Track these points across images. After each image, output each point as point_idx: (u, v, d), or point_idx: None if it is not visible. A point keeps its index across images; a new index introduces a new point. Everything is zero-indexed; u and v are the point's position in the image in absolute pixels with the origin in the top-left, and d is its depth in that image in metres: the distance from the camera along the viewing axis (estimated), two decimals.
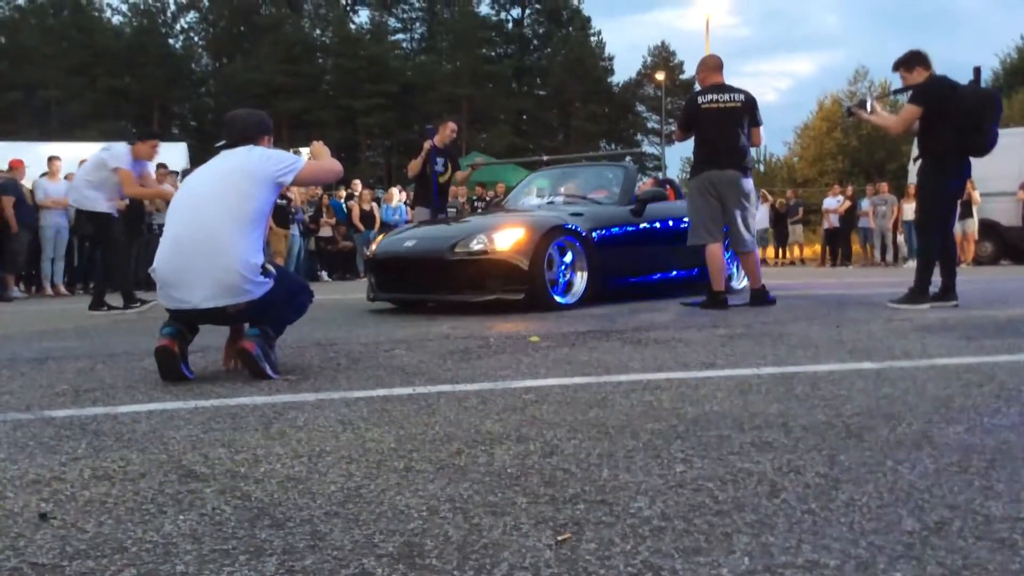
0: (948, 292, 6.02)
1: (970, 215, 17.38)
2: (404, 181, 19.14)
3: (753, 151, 6.94)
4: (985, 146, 5.95)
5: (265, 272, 3.23)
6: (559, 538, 1.37)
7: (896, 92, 6.34)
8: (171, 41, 53.21)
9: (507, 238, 6.26)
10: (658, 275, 7.72)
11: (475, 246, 6.21)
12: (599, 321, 5.29)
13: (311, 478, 1.77)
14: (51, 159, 12.67)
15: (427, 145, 9.21)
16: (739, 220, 6.48)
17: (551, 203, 8.01)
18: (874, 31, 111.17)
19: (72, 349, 4.44)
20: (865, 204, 18.72)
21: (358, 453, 1.97)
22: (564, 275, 6.56)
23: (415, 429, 2.22)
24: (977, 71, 6.32)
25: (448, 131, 9.58)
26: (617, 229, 7.26)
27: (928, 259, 6.08)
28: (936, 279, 6.02)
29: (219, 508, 1.58)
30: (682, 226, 7.92)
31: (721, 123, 6.47)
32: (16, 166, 12.04)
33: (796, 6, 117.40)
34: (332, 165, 3.71)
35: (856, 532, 1.37)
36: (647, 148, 57.35)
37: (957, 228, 17.53)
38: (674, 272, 7.88)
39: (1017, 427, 2.11)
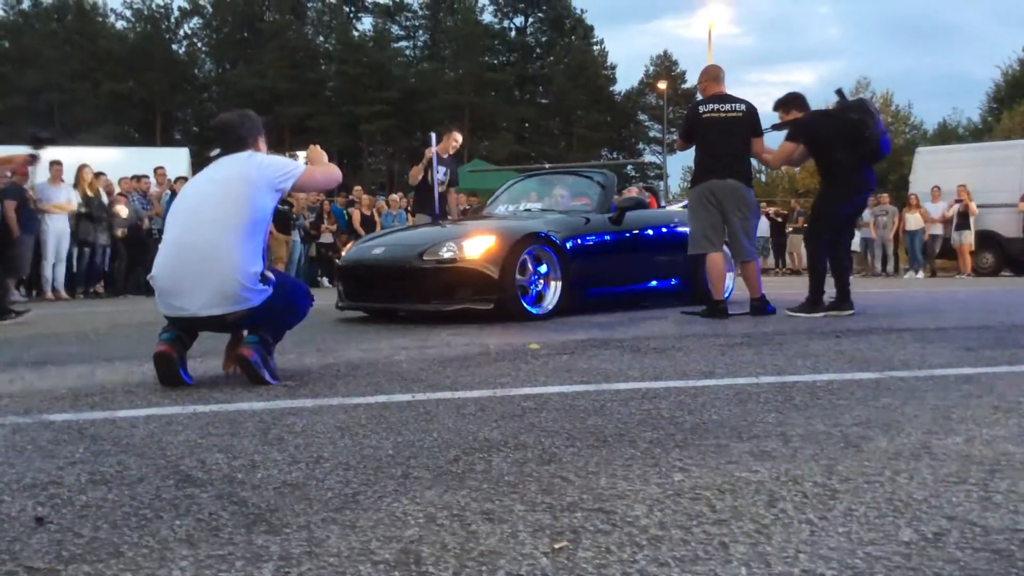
0: (843, 302, 6.38)
1: (967, 227, 17.42)
2: (406, 188, 19.19)
3: (754, 161, 6.99)
4: (876, 150, 6.30)
5: (264, 280, 3.22)
6: (556, 546, 1.37)
7: (773, 128, 6.71)
8: (174, 47, 53.34)
9: (477, 246, 6.09)
10: (637, 285, 7.60)
11: (444, 254, 6.07)
12: (599, 329, 5.28)
13: (308, 484, 1.77)
14: (53, 164, 12.68)
15: (428, 152, 9.21)
16: (739, 229, 6.50)
17: (528, 210, 7.89)
18: (876, 43, 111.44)
19: (71, 353, 4.44)
20: (866, 215, 18.74)
21: (356, 460, 1.97)
22: (537, 284, 6.41)
23: (413, 436, 2.22)
24: (839, 91, 6.77)
25: (452, 141, 9.58)
26: (594, 237, 7.11)
27: (818, 270, 6.47)
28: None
29: (216, 513, 1.58)
30: (678, 233, 7.90)
31: (722, 133, 6.49)
32: (20, 171, 12.06)
33: (799, 17, 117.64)
34: (331, 170, 3.70)
35: (854, 542, 1.37)
36: (649, 157, 57.55)
37: (955, 238, 17.67)
38: (654, 282, 7.78)
39: (1016, 438, 2.10)
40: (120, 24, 52.50)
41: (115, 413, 2.64)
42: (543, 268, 6.42)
